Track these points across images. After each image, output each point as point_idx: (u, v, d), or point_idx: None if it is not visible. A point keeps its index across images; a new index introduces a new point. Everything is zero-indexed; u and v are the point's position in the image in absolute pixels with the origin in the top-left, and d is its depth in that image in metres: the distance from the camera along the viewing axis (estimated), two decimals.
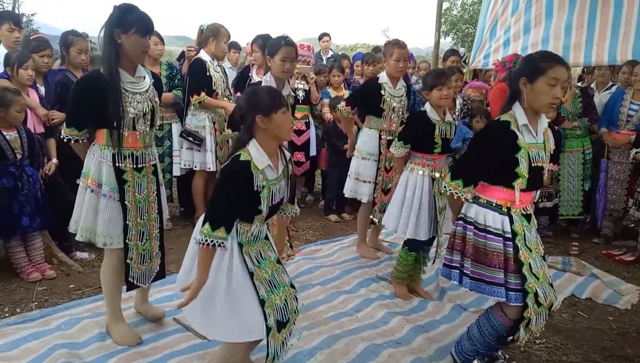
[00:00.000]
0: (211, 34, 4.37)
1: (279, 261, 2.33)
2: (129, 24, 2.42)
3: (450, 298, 3.47)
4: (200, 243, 2.03)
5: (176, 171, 4.57)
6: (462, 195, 2.36)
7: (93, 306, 3.09)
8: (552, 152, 2.42)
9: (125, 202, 2.56)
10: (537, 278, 2.31)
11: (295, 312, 2.28)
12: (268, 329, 2.13)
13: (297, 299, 2.31)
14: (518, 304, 2.31)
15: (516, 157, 2.27)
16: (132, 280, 2.68)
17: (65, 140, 2.56)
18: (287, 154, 2.31)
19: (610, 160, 4.57)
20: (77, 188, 2.64)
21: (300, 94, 5.08)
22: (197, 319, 2.23)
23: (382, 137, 3.89)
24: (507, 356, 2.70)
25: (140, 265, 2.69)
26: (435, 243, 3.37)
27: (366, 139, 3.94)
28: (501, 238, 2.32)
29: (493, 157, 2.31)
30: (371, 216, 4.00)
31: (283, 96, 2.21)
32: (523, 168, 2.27)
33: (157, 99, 2.69)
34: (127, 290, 2.76)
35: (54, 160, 3.72)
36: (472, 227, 2.38)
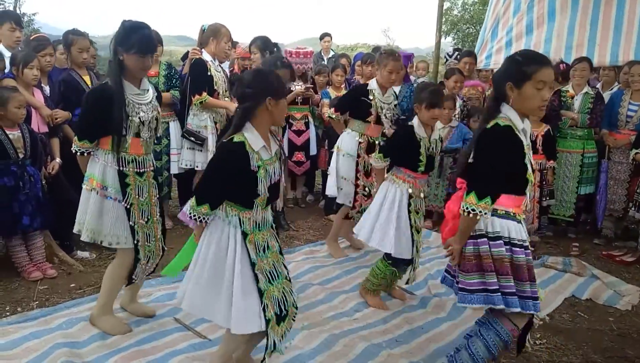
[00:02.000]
0: (212, 34, 4.37)
1: (281, 252, 2.40)
2: (131, 44, 2.54)
3: (449, 297, 3.46)
4: (188, 215, 2.20)
5: (174, 170, 4.58)
6: (477, 211, 2.15)
7: (94, 305, 3.09)
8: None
9: (129, 205, 2.68)
10: None
11: (293, 306, 2.34)
12: (267, 321, 2.19)
13: (292, 292, 2.36)
14: (534, 312, 2.22)
15: (525, 162, 2.20)
16: (134, 278, 2.83)
17: (78, 154, 2.67)
18: (277, 138, 2.39)
19: (611, 160, 4.57)
20: (79, 186, 2.70)
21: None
22: (198, 306, 2.27)
23: (362, 140, 3.93)
24: None
25: (145, 265, 2.84)
26: (412, 264, 3.23)
27: (345, 138, 4.02)
28: (524, 249, 2.22)
29: (509, 165, 2.18)
30: (350, 217, 4.09)
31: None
32: (530, 172, 2.22)
33: (159, 109, 2.85)
34: (126, 285, 2.91)
35: (58, 159, 3.73)
36: (500, 242, 2.20)
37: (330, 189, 4.12)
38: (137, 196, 2.71)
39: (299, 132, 5.13)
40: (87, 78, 3.95)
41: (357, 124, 3.96)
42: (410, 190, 3.17)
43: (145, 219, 2.75)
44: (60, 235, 3.84)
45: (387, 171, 3.34)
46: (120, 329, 2.81)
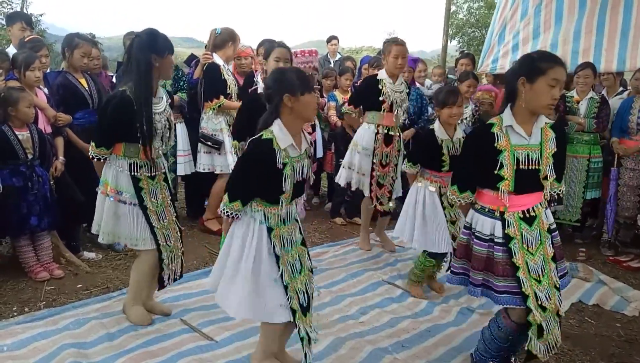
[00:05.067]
0: (229, 39, 4.40)
1: (304, 244, 2.45)
2: (163, 48, 2.64)
3: (457, 302, 3.46)
4: (220, 212, 2.27)
5: (180, 171, 4.59)
6: (460, 200, 2.41)
7: (101, 306, 3.11)
8: (552, 154, 2.33)
9: (146, 206, 2.75)
10: (539, 281, 2.29)
11: (312, 296, 2.42)
12: (293, 311, 2.27)
13: (312, 283, 2.45)
14: (514, 306, 2.30)
15: (498, 159, 2.26)
16: (164, 279, 2.91)
17: (95, 159, 2.74)
18: (309, 137, 2.42)
19: (623, 167, 4.46)
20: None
21: None
22: (224, 299, 2.34)
23: (379, 131, 4.02)
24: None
25: (170, 265, 2.91)
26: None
27: (363, 134, 4.11)
28: (486, 243, 2.34)
29: (476, 160, 2.34)
30: (371, 206, 4.18)
31: (312, 78, 2.29)
32: (506, 170, 2.26)
33: (172, 116, 2.92)
34: (159, 289, 2.99)
35: (61, 158, 3.73)
36: (469, 232, 2.42)
37: (341, 180, 4.26)
38: (151, 199, 2.77)
39: None
40: (83, 81, 3.95)
41: (372, 115, 4.06)
42: (436, 189, 3.39)
43: (163, 221, 2.83)
44: (67, 235, 3.85)
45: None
46: (142, 320, 2.90)
